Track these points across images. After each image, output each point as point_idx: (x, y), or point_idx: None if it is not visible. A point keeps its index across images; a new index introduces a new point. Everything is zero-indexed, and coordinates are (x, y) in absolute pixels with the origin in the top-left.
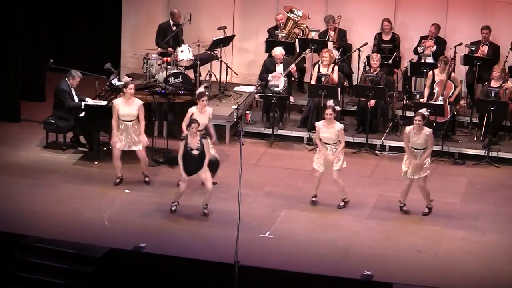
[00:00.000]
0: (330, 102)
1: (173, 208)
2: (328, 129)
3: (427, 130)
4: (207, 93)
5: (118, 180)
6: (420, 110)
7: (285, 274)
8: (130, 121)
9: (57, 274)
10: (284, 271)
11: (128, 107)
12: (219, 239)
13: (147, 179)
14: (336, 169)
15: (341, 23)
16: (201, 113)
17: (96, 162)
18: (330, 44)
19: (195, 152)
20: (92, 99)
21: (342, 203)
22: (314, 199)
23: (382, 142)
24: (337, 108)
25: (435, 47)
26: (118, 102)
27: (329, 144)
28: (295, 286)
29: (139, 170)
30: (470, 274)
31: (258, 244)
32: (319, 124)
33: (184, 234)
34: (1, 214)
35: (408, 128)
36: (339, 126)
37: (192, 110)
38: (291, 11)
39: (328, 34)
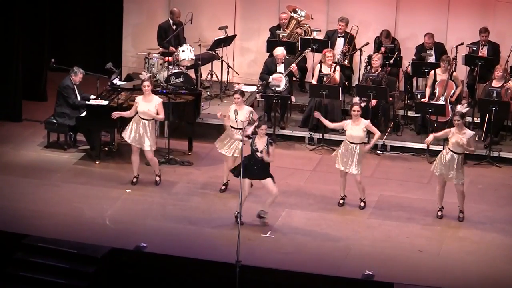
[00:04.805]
0: (356, 100)
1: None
2: (355, 126)
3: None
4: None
5: (134, 179)
6: (458, 109)
7: (286, 274)
8: (147, 119)
9: (58, 273)
10: (285, 271)
11: (146, 103)
12: (220, 238)
13: (157, 179)
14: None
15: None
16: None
17: (97, 162)
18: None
19: (259, 154)
20: (93, 99)
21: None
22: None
23: (384, 142)
24: (363, 104)
25: (434, 56)
26: (138, 99)
27: (354, 143)
28: (296, 286)
29: (140, 170)
30: (471, 274)
31: (259, 244)
32: (347, 122)
33: (185, 234)
34: (2, 213)
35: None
36: (365, 121)
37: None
38: (295, 11)
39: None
